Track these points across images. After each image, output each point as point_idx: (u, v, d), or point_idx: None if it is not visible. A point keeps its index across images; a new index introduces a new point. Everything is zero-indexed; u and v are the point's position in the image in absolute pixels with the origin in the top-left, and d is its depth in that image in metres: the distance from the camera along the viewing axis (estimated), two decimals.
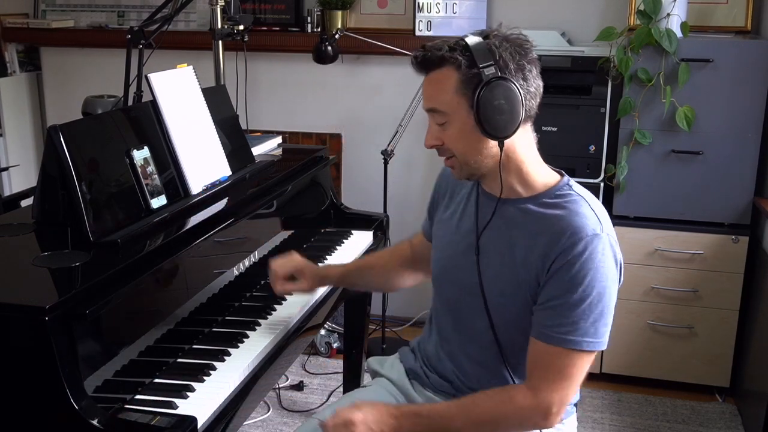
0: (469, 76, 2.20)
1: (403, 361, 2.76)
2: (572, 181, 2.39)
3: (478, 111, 2.19)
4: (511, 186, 2.35)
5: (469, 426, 2.32)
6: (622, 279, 2.31)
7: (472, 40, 2.23)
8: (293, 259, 2.93)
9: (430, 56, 2.25)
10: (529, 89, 2.24)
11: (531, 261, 2.28)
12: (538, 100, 2.29)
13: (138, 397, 2.33)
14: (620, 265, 2.28)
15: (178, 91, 3.07)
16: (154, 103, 2.95)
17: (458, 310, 2.51)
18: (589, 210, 2.27)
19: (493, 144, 2.25)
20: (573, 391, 2.28)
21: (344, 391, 4.14)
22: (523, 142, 2.31)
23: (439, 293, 2.61)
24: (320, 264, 3.38)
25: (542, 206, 2.31)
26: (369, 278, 2.99)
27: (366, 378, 4.06)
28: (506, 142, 2.25)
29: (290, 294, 2.99)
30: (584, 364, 2.26)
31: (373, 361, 2.85)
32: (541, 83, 2.28)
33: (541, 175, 2.37)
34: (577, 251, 2.19)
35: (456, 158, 2.33)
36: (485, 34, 2.25)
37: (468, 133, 2.26)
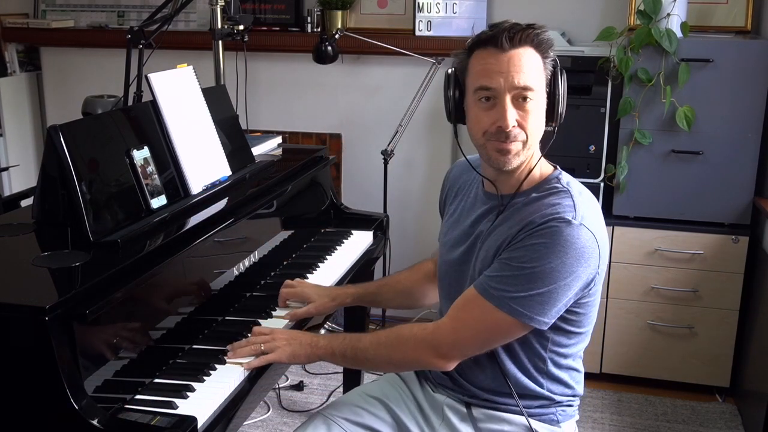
0: (547, 62, 2.34)
1: None
2: (563, 174, 2.43)
3: (556, 96, 2.33)
4: (519, 180, 2.40)
5: (373, 345, 2.41)
6: (594, 276, 2.29)
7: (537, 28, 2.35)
8: (299, 288, 2.97)
9: (530, 32, 2.33)
10: None
11: (502, 245, 2.32)
12: None
13: (138, 397, 2.33)
14: (590, 259, 2.25)
15: (178, 91, 3.07)
16: (154, 103, 2.95)
17: None
18: (569, 200, 2.29)
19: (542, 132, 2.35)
20: (473, 344, 2.33)
21: (344, 391, 4.12)
22: None
23: (443, 293, 2.64)
24: (321, 265, 3.39)
25: (529, 200, 2.36)
26: (390, 295, 3.00)
27: (366, 378, 4.06)
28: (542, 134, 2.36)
29: (294, 318, 2.95)
30: (502, 327, 2.28)
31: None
32: None
33: (540, 167, 2.42)
34: (540, 228, 2.23)
35: (523, 143, 2.33)
36: (530, 25, 2.37)
37: (542, 116, 2.35)
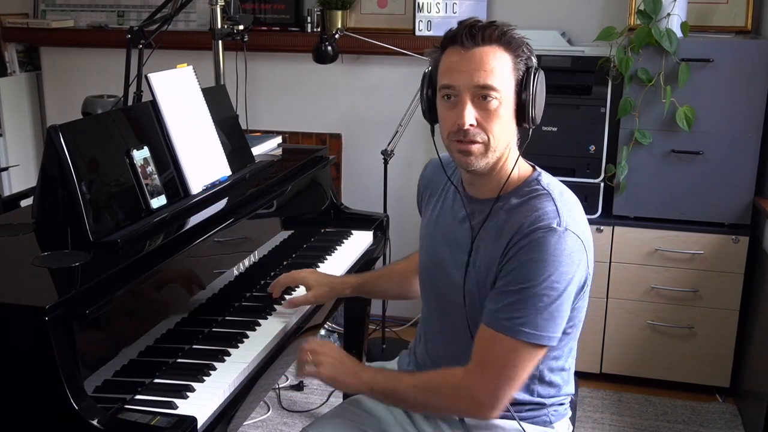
0: (518, 61, 2.27)
1: (400, 366, 2.77)
2: (543, 175, 2.40)
3: (526, 97, 2.26)
4: (498, 183, 2.37)
5: (411, 388, 2.36)
6: (586, 278, 2.30)
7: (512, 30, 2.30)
8: (299, 271, 2.97)
9: (493, 30, 2.27)
10: None
11: (494, 259, 2.30)
12: None
13: (138, 397, 2.33)
14: (581, 262, 2.25)
15: (178, 91, 3.07)
16: (154, 103, 2.95)
17: (439, 311, 2.54)
18: (551, 205, 2.27)
19: (513, 135, 2.32)
20: (509, 384, 2.26)
21: (343, 393, 4.12)
22: (515, 140, 2.37)
23: (424, 294, 2.63)
24: (321, 265, 3.39)
25: (509, 204, 2.34)
26: (389, 285, 3.00)
27: None
28: (512, 136, 2.32)
29: (291, 306, 2.97)
30: (524, 356, 2.23)
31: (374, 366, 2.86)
32: None
33: (518, 169, 2.39)
34: (527, 241, 2.20)
35: (484, 144, 2.28)
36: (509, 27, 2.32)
37: (509, 118, 2.29)
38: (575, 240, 2.22)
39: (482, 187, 2.39)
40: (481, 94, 2.25)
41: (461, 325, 2.40)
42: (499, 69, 2.25)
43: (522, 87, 2.27)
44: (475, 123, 2.25)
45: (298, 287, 3.09)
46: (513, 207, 2.32)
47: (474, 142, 2.27)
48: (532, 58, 2.29)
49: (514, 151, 2.36)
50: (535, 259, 2.19)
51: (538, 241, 2.19)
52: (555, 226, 2.20)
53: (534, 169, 2.42)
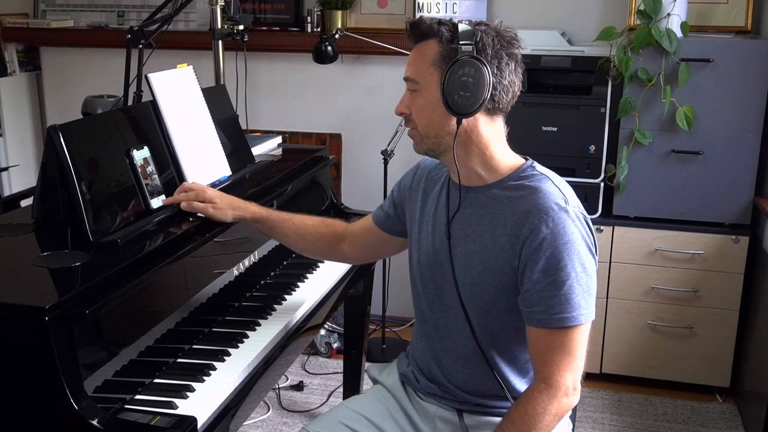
0: (448, 51, 2.29)
1: (398, 367, 2.77)
2: (536, 163, 2.42)
3: (444, 83, 2.26)
4: (476, 171, 2.39)
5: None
6: (597, 252, 2.35)
7: (462, 22, 2.32)
8: (200, 187, 2.89)
9: (420, 25, 2.34)
10: (502, 80, 2.30)
11: (500, 247, 2.32)
12: (511, 96, 2.35)
13: (138, 397, 2.33)
14: (592, 237, 2.32)
15: (178, 91, 3.07)
16: (154, 103, 2.96)
17: (435, 305, 2.53)
18: (553, 186, 2.32)
19: (455, 123, 2.31)
20: (581, 364, 2.31)
21: (344, 391, 4.16)
22: (489, 130, 2.36)
23: (416, 291, 2.62)
24: (321, 266, 3.39)
25: (507, 189, 2.36)
26: (288, 231, 2.92)
27: (367, 380, 4.06)
28: (469, 124, 2.33)
29: (190, 209, 2.85)
30: (583, 336, 2.29)
31: (373, 368, 2.87)
32: (517, 82, 2.36)
33: (506, 159, 2.40)
34: (545, 231, 2.23)
35: (416, 130, 2.39)
36: (478, 23, 2.33)
37: (433, 106, 2.33)
38: (583, 216, 2.31)
39: (470, 178, 2.41)
40: (408, 86, 2.40)
41: (459, 317, 2.43)
42: (420, 60, 2.34)
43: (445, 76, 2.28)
44: (406, 111, 2.40)
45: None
46: (512, 192, 2.34)
47: (408, 127, 2.43)
48: (459, 48, 2.28)
49: (490, 141, 2.37)
50: (558, 245, 2.23)
51: (556, 227, 2.23)
52: (564, 205, 2.26)
53: (526, 159, 2.44)
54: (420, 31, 2.35)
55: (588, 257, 2.28)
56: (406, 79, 2.40)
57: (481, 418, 2.50)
